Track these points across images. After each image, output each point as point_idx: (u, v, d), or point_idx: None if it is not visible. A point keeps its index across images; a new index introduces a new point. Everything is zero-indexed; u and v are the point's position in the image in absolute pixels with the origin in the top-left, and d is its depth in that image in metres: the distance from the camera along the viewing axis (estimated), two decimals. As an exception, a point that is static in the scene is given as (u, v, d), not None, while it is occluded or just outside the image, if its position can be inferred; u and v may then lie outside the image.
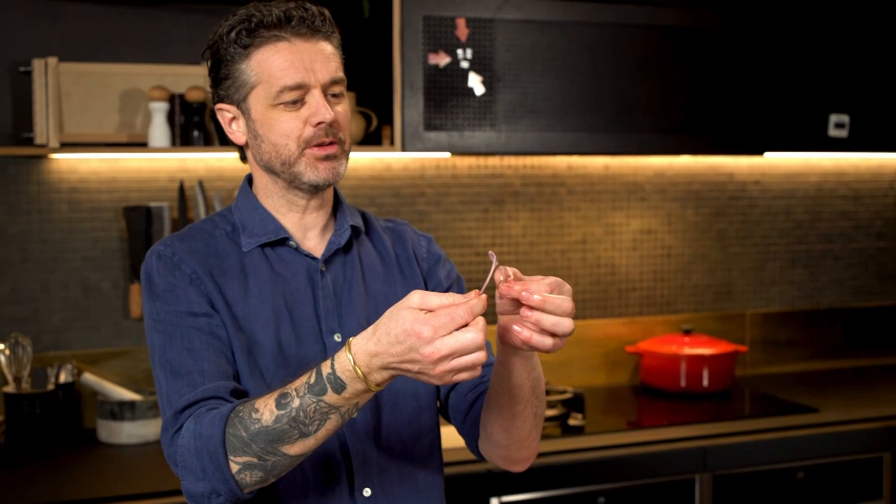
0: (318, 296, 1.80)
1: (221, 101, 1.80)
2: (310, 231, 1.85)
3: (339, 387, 1.51)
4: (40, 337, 3.22)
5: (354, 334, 1.74)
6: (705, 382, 3.63)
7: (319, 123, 1.73)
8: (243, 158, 1.87)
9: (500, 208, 3.71)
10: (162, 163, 3.31)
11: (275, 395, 1.56)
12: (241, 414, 1.57)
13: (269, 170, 1.79)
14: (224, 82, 1.78)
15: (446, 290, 1.92)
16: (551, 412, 3.26)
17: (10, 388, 3.03)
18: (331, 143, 1.75)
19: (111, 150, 3.14)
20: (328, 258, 1.83)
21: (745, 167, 4.02)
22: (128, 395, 3.12)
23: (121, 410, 3.06)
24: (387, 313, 1.48)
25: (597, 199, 3.83)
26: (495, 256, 1.53)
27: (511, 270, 1.54)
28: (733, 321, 4.03)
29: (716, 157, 3.96)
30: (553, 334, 1.51)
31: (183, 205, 3.27)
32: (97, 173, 3.26)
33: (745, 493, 3.18)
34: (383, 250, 1.91)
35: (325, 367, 1.52)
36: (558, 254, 3.78)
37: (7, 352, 3.05)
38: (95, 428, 3.15)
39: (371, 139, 3.35)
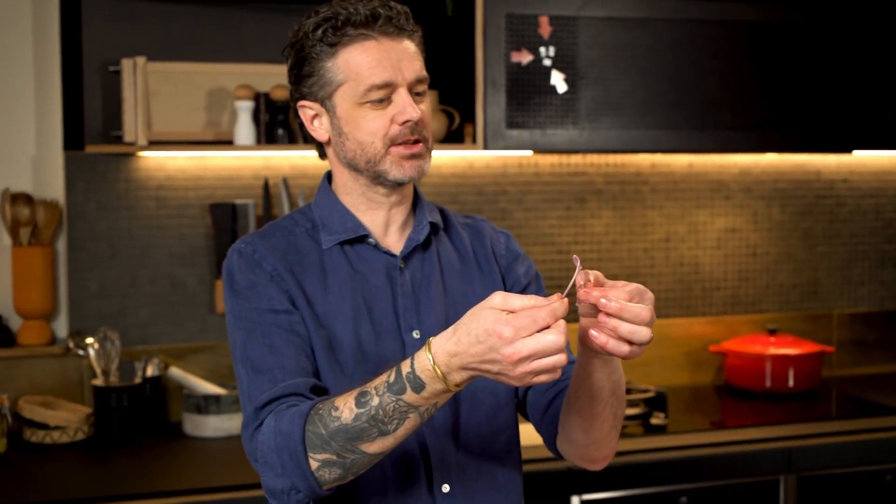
0: (396, 293, 1.80)
1: (304, 97, 1.81)
2: (389, 228, 1.85)
3: (418, 386, 1.51)
4: (128, 332, 3.28)
5: (433, 331, 1.76)
6: (791, 383, 3.58)
7: (406, 122, 1.74)
8: (322, 155, 1.88)
9: (582, 206, 3.69)
10: (247, 160, 3.35)
11: (354, 393, 1.57)
12: (321, 411, 1.58)
13: (353, 167, 1.80)
14: (307, 80, 1.79)
15: (525, 288, 1.92)
16: (633, 411, 3.24)
17: (98, 382, 3.09)
18: (416, 142, 1.76)
19: (197, 147, 3.19)
20: (407, 255, 1.83)
21: (832, 165, 3.95)
22: (213, 389, 3.16)
23: (206, 404, 3.10)
24: (468, 313, 1.48)
25: (680, 198, 3.80)
26: (579, 260, 1.53)
27: (594, 274, 1.54)
28: (820, 321, 3.97)
29: (802, 155, 3.90)
30: (630, 342, 1.50)
31: (268, 202, 3.31)
32: (184, 171, 3.31)
33: (831, 495, 3.13)
34: (461, 247, 1.91)
35: (405, 367, 1.53)
36: (641, 252, 3.76)
37: (96, 346, 3.11)
38: (181, 421, 3.20)
39: (453, 137, 3.36)
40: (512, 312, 1.44)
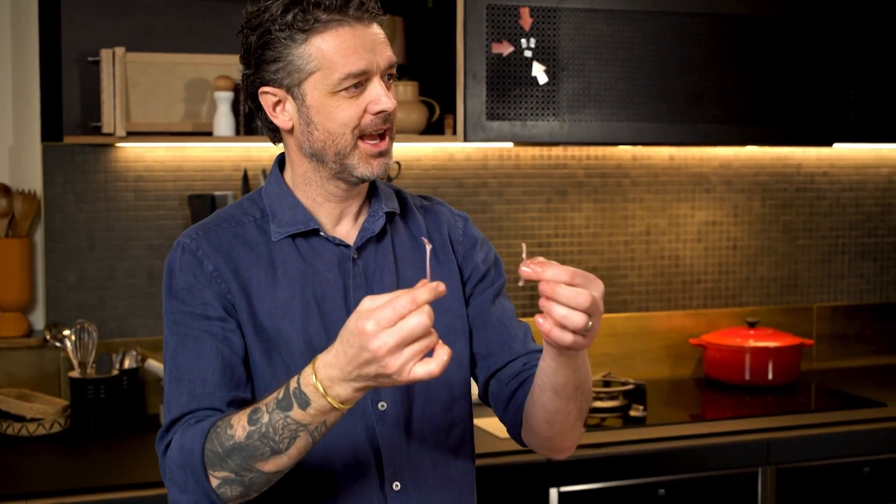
0: (349, 285, 1.75)
1: (265, 84, 1.71)
2: (343, 218, 1.79)
3: (303, 402, 1.48)
4: (106, 324, 3.26)
5: None
6: (770, 376, 3.58)
7: (380, 112, 1.69)
8: (277, 141, 1.80)
9: (563, 199, 3.69)
10: (226, 152, 3.33)
11: (248, 410, 1.54)
12: (218, 429, 1.56)
13: (317, 158, 1.72)
14: (271, 65, 1.69)
15: (483, 275, 1.87)
16: (612, 403, 3.24)
17: (75, 374, 3.07)
18: (382, 137, 1.71)
19: (177, 139, 3.17)
20: (361, 245, 1.78)
21: (812, 158, 3.96)
22: (191, 381, 3.14)
23: (184, 396, 3.09)
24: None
25: (661, 191, 3.80)
26: (525, 249, 1.51)
27: (540, 259, 1.49)
28: (800, 315, 3.97)
29: (783, 148, 3.90)
30: (568, 329, 1.46)
31: (247, 193, 3.29)
32: (163, 162, 3.29)
33: (809, 487, 3.13)
34: (418, 234, 1.85)
35: (293, 382, 1.50)
36: (622, 245, 3.76)
37: (73, 338, 3.09)
38: (158, 414, 3.18)
39: (433, 129, 3.35)
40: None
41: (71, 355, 3.09)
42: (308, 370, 1.48)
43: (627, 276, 3.76)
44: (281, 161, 1.83)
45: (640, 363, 3.75)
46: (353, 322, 1.42)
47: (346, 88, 1.67)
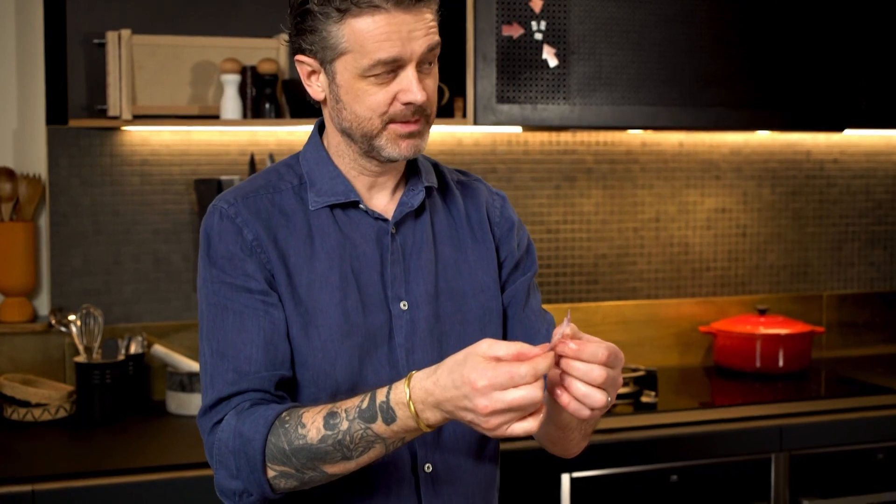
0: (386, 260, 1.72)
1: (302, 52, 1.68)
2: (381, 190, 1.76)
3: (389, 418, 1.47)
4: (111, 309, 3.22)
5: (421, 303, 1.70)
6: (781, 363, 3.55)
7: (409, 104, 1.63)
8: (315, 105, 1.77)
9: (572, 185, 3.66)
10: (233, 136, 3.30)
11: (324, 412, 1.52)
12: (286, 425, 1.53)
13: (347, 134, 1.69)
14: (308, 35, 1.64)
15: (517, 261, 1.85)
16: (623, 390, 3.21)
17: (81, 359, 3.04)
18: (416, 121, 1.66)
19: (183, 122, 3.14)
20: (399, 220, 1.74)
21: (822, 145, 3.93)
22: (197, 366, 3.11)
23: (190, 382, 3.06)
24: (454, 356, 1.43)
25: (671, 177, 3.76)
26: (569, 317, 1.47)
27: (571, 327, 1.46)
28: (810, 302, 3.94)
29: (793, 135, 3.87)
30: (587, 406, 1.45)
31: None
32: (169, 146, 3.26)
33: (823, 473, 3.10)
34: (455, 210, 1.82)
35: (380, 395, 1.48)
36: (631, 232, 3.72)
37: (78, 322, 3.06)
38: (165, 400, 3.15)
39: (443, 112, 3.32)
40: (496, 359, 1.39)
41: (76, 340, 3.06)
42: (401, 387, 1.46)
43: (636, 263, 3.73)
44: (321, 126, 1.79)
45: (649, 351, 3.72)
46: (466, 367, 1.39)
47: (375, 75, 1.62)
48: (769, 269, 3.90)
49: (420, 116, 1.66)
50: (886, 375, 3.58)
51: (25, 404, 2.99)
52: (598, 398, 1.43)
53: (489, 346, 1.40)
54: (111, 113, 3.07)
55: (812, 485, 3.08)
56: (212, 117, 3.19)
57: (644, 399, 3.17)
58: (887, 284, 4.06)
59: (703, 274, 3.82)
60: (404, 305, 1.71)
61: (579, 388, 1.43)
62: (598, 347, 1.43)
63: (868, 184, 4.00)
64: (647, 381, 3.25)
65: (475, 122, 3.12)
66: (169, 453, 2.71)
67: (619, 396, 3.20)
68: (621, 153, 3.70)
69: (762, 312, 3.64)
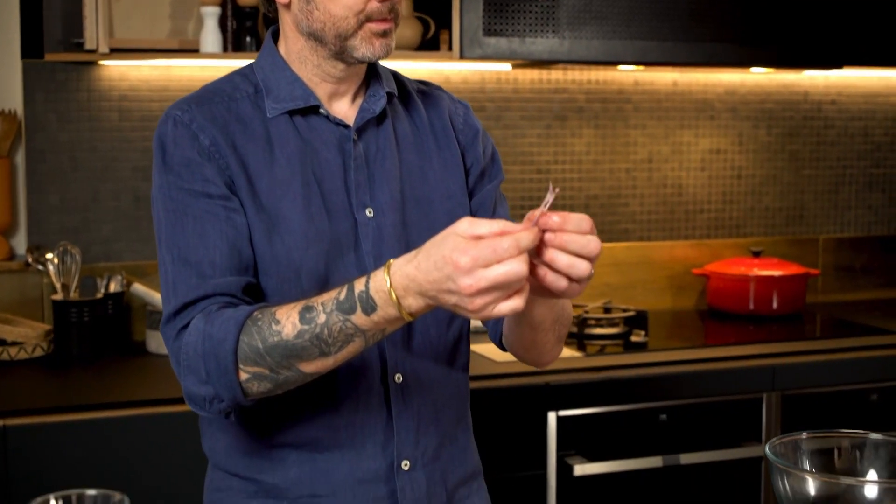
0: (349, 167, 1.66)
1: None
2: (342, 97, 1.71)
3: (369, 307, 1.40)
4: (90, 247, 3.16)
5: (386, 209, 1.64)
6: (775, 305, 3.49)
7: (385, 1, 1.59)
8: (270, 12, 1.72)
9: (562, 124, 3.58)
10: (213, 70, 3.22)
11: (299, 307, 1.45)
12: (259, 323, 1.47)
13: (315, 38, 1.64)
14: None
15: (483, 169, 1.79)
16: (613, 330, 3.15)
17: (58, 297, 2.98)
18: (390, 18, 1.62)
19: (162, 56, 3.06)
20: (360, 127, 1.69)
21: (820, 86, 3.84)
22: (178, 305, 3.05)
23: (170, 321, 3.00)
24: (433, 238, 1.36)
25: (664, 117, 3.68)
26: (552, 190, 1.38)
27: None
28: (805, 246, 3.87)
29: (790, 75, 3.79)
30: (569, 277, 1.36)
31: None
32: (148, 81, 3.18)
33: (815, 414, 3.04)
34: (418, 118, 1.77)
35: (359, 285, 1.42)
36: (623, 172, 3.65)
37: (56, 261, 2.99)
38: (145, 340, 3.09)
39: (428, 45, 3.24)
40: (478, 238, 1.31)
41: (53, 278, 2.99)
42: (380, 275, 1.39)
43: (629, 204, 3.66)
44: (275, 33, 1.73)
45: (641, 293, 3.66)
46: (447, 247, 1.32)
47: None
48: (764, 211, 3.83)
49: (393, 14, 1.63)
50: (883, 319, 3.52)
51: (1, 343, 2.93)
52: (584, 267, 1.35)
53: (470, 225, 1.32)
54: (88, 46, 2.98)
55: (804, 425, 3.02)
56: (192, 51, 3.11)
57: (633, 338, 3.11)
58: (885, 228, 3.98)
59: (696, 216, 3.75)
60: (370, 212, 1.66)
61: (562, 259, 1.35)
62: (581, 218, 1.37)
63: (866, 126, 3.92)
64: (638, 321, 3.19)
65: (461, 56, 3.04)
66: (146, 390, 2.66)
67: (609, 337, 3.14)
68: (613, 92, 3.62)
69: (756, 255, 3.57)
